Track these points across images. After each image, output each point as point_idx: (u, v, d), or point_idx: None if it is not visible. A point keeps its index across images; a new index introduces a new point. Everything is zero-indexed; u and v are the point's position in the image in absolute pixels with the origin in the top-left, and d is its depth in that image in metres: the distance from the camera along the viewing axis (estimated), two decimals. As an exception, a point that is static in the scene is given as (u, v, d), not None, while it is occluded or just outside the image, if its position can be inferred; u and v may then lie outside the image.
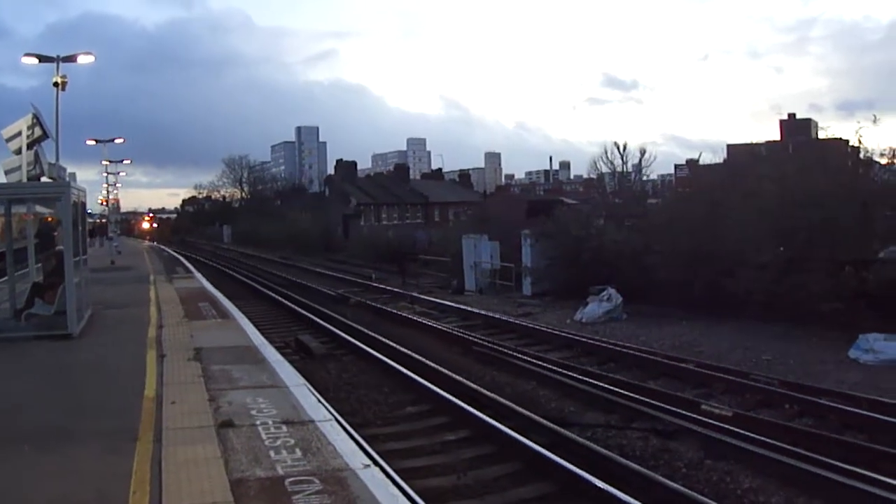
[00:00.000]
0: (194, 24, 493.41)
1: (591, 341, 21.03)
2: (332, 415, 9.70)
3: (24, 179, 18.25)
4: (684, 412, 13.44)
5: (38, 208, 21.99)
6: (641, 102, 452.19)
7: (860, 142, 25.51)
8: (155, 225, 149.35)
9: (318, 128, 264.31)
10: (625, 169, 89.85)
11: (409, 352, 19.20)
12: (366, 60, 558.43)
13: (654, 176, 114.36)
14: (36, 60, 33.40)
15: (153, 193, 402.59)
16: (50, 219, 21.70)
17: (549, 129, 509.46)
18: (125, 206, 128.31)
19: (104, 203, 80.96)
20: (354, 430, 9.55)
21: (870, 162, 26.11)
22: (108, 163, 66.78)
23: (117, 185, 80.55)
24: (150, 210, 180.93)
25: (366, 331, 22.64)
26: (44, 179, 19.05)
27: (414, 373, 16.58)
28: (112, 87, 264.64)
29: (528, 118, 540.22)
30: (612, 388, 15.42)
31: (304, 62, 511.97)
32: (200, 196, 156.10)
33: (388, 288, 37.45)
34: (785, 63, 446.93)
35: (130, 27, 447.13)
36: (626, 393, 14.91)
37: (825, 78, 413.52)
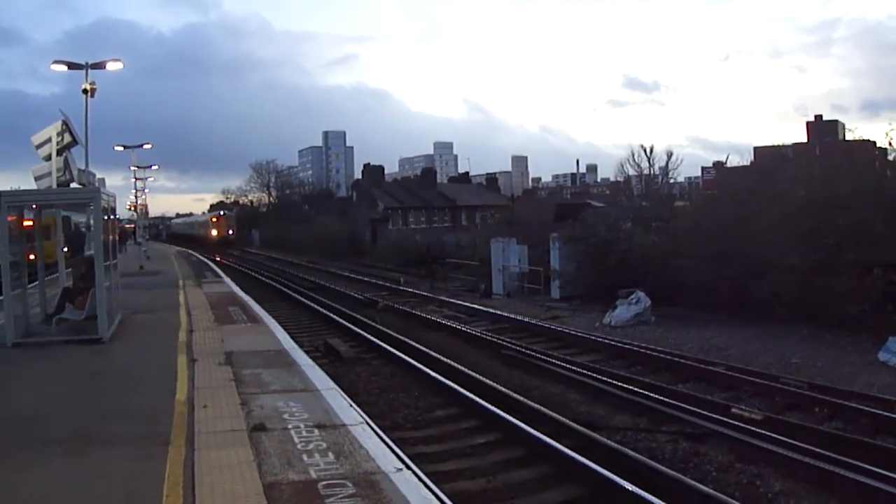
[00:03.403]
0: (211, 28, 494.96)
1: (620, 344, 20.99)
2: (364, 418, 9.76)
3: (54, 185, 18.39)
4: (714, 415, 13.41)
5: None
6: (663, 104, 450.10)
7: (890, 143, 25.33)
8: (230, 231, 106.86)
9: (345, 132, 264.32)
10: (652, 172, 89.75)
11: (438, 355, 19.23)
12: (387, 65, 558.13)
13: (680, 178, 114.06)
14: (65, 67, 33.58)
15: (179, 198, 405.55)
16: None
17: (573, 132, 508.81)
18: (152, 212, 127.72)
19: (132, 208, 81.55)
20: (385, 433, 9.59)
21: (898, 163, 25.92)
22: (136, 168, 67.24)
23: (145, 190, 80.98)
24: (179, 214, 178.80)
25: (395, 334, 22.71)
26: (74, 185, 19.20)
27: (443, 376, 16.60)
28: (130, 93, 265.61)
29: (551, 121, 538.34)
30: (641, 391, 15.40)
31: (325, 66, 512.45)
32: (228, 201, 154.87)
33: (417, 292, 37.57)
34: (807, 63, 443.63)
35: (147, 32, 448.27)
36: (655, 396, 14.89)
37: (848, 78, 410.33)
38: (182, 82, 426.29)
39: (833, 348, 20.12)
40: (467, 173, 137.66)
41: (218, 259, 63.45)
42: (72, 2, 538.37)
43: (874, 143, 29.68)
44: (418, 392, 16.19)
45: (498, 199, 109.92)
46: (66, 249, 22.62)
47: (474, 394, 14.83)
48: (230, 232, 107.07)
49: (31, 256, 19.10)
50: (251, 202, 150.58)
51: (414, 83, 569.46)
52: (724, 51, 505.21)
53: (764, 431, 12.29)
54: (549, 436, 11.95)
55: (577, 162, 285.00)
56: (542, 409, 13.91)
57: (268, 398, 10.78)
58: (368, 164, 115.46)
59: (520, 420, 12.91)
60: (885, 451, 11.61)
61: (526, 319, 26.47)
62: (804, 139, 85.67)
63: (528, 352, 20.04)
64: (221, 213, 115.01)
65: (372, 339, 22.11)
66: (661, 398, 14.72)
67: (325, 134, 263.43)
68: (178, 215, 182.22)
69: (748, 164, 53.33)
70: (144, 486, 7.34)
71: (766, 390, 15.78)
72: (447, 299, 33.42)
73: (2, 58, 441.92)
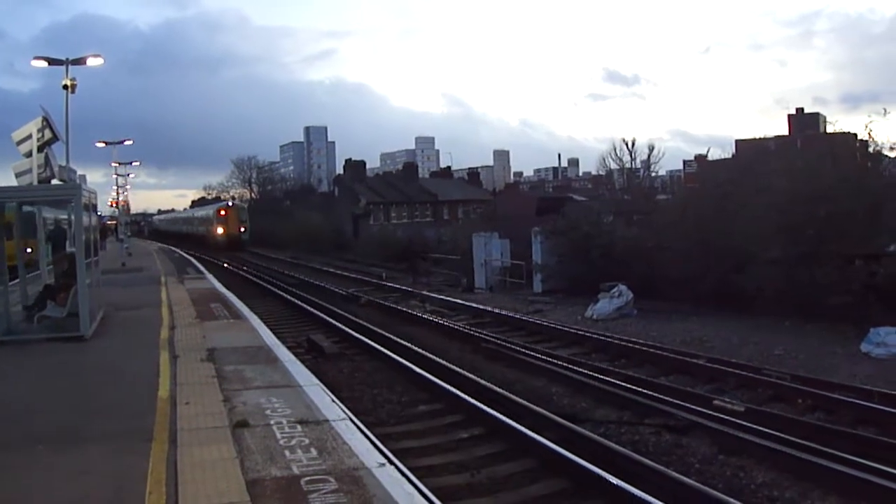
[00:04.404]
0: (189, 24, 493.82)
1: (602, 338, 21.03)
2: (346, 414, 9.75)
3: (35, 182, 18.31)
4: (696, 407, 13.45)
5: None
6: (644, 98, 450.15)
7: (870, 136, 25.46)
8: (241, 229, 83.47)
9: (326, 127, 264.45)
10: (633, 165, 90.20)
11: (420, 350, 19.26)
12: (365, 59, 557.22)
13: (662, 172, 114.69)
14: (46, 63, 33.45)
15: (160, 195, 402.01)
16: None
17: (554, 126, 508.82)
18: (133, 208, 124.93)
19: (113, 205, 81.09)
20: (368, 428, 9.58)
21: (879, 155, 26.04)
22: (117, 164, 66.89)
23: (127, 186, 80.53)
24: (161, 211, 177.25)
25: (377, 330, 22.68)
26: (54, 182, 19.12)
27: (426, 371, 16.60)
28: (109, 89, 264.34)
29: (532, 115, 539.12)
30: (623, 384, 15.43)
31: (303, 61, 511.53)
32: (210, 196, 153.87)
33: (399, 287, 37.58)
34: (788, 56, 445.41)
35: (125, 28, 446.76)
36: (637, 389, 14.92)
37: (829, 71, 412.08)
38: (161, 78, 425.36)
39: (815, 340, 20.21)
40: (449, 168, 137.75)
41: (200, 255, 62.34)
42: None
43: (855, 135, 29.82)
44: (401, 387, 16.17)
45: (480, 193, 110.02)
46: (29, 251, 22.07)
47: (457, 388, 14.83)
48: (241, 230, 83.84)
49: None
50: (233, 198, 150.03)
51: (394, 78, 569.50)
52: (704, 43, 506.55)
53: (747, 423, 12.33)
54: (532, 429, 11.96)
55: (559, 156, 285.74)
56: (525, 402, 13.93)
57: (250, 394, 10.76)
58: (350, 159, 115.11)
59: (503, 414, 12.92)
60: (867, 440, 11.67)
61: (508, 313, 26.50)
62: (786, 132, 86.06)
63: (511, 346, 20.07)
64: (230, 203, 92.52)
65: (355, 334, 22.07)
66: (644, 391, 14.75)
67: (307, 129, 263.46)
68: (159, 211, 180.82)
69: (730, 157, 53.44)
70: (128, 482, 7.32)
71: (749, 382, 15.84)
72: (429, 294, 33.39)
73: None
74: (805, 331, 21.23)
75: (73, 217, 18.08)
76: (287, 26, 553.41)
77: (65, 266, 18.78)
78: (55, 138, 19.35)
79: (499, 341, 20.72)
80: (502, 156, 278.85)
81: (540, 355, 18.74)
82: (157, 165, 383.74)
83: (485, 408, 13.36)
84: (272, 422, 9.25)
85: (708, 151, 77.57)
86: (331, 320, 25.13)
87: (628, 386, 15.22)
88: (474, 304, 29.24)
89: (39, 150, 18.60)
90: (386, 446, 9.00)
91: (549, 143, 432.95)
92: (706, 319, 23.86)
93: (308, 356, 19.01)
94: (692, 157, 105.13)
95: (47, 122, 18.82)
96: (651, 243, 29.18)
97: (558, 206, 41.52)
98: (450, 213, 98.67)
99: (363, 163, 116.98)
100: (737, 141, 65.88)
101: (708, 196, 30.99)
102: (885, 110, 25.40)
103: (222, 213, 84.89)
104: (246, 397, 10.57)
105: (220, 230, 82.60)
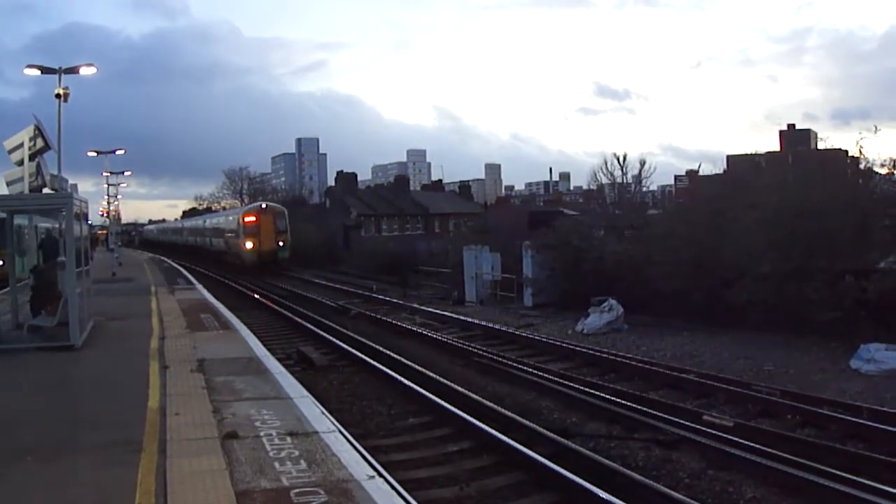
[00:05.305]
0: (179, 34, 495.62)
1: (593, 352, 21.03)
2: (336, 426, 9.73)
3: (27, 191, 18.27)
4: (686, 422, 13.44)
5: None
6: (635, 113, 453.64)
7: (861, 152, 25.51)
8: (280, 243, 59.30)
9: (318, 139, 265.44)
10: (625, 180, 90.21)
11: (410, 363, 19.22)
12: (357, 71, 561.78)
13: (653, 187, 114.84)
14: (38, 72, 33.34)
15: (151, 204, 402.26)
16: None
17: (544, 140, 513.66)
18: (123, 217, 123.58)
19: (104, 214, 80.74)
20: (358, 441, 9.56)
21: (870, 172, 26.08)
22: (108, 174, 66.62)
23: (118, 196, 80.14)
24: (152, 221, 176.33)
25: (367, 342, 22.65)
26: (46, 191, 19.08)
27: (415, 384, 16.58)
28: (100, 98, 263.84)
29: (523, 129, 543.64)
30: (613, 398, 15.42)
31: (294, 73, 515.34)
32: (201, 207, 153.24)
33: (389, 299, 37.50)
34: (779, 72, 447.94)
35: (115, 37, 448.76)
36: (627, 403, 14.91)
37: (820, 87, 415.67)
38: (152, 87, 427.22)
39: (806, 355, 20.21)
40: (440, 181, 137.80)
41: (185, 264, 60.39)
42: (39, 6, 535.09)
43: (846, 151, 29.88)
44: (391, 400, 16.15)
45: (471, 206, 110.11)
46: (1, 263, 21.79)
47: (447, 401, 14.81)
48: (280, 243, 59.79)
49: None
50: (223, 209, 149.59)
51: (386, 90, 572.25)
52: (695, 58, 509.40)
53: (736, 438, 12.33)
54: (522, 443, 11.95)
55: (550, 170, 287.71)
56: (515, 416, 13.92)
57: (240, 406, 10.74)
58: (341, 171, 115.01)
59: (493, 428, 12.90)
60: (856, 456, 11.67)
61: (498, 327, 26.50)
62: (776, 148, 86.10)
63: (501, 359, 20.04)
64: (263, 206, 64.27)
65: (344, 346, 22.04)
66: (634, 405, 14.74)
67: (299, 141, 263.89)
68: (150, 221, 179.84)
69: (721, 172, 53.55)
70: (117, 493, 7.31)
71: (739, 397, 15.83)
72: (420, 307, 33.37)
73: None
74: (795, 346, 21.21)
75: (64, 226, 18.07)
76: (278, 38, 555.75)
77: (55, 275, 18.72)
78: (47, 147, 19.32)
79: (489, 355, 20.70)
80: (493, 169, 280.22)
81: (530, 369, 18.72)
82: (149, 175, 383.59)
83: (474, 421, 13.34)
84: (262, 433, 9.24)
85: (699, 166, 77.85)
86: (321, 332, 25.09)
87: (618, 400, 15.21)
88: (465, 318, 29.23)
89: (31, 158, 18.57)
90: (375, 459, 8.99)
91: (541, 156, 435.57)
92: (697, 334, 23.86)
93: (298, 368, 18.98)
94: (683, 172, 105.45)
95: (39, 131, 18.79)
96: (642, 258, 29.14)
97: (549, 219, 41.43)
98: (441, 226, 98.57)
99: (354, 175, 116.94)
100: (728, 156, 65.97)
101: (699, 211, 31.00)
102: (875, 127, 25.51)
103: (252, 219, 59.73)
104: (236, 408, 10.55)
105: (248, 244, 58.65)
